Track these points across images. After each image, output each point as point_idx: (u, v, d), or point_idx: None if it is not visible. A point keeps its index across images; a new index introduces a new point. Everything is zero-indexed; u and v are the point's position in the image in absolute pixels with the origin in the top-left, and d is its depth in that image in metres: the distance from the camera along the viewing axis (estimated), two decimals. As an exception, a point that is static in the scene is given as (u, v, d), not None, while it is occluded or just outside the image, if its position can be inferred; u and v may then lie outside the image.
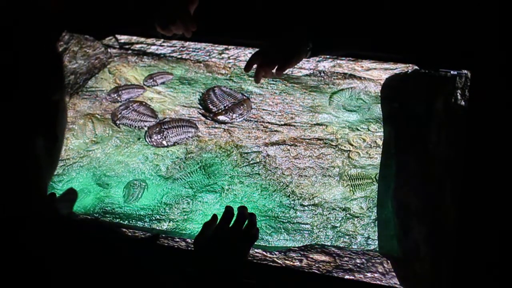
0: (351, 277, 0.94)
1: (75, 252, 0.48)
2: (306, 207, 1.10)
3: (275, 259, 0.97)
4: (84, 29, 1.49)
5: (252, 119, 1.30)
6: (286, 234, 1.05)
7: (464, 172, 1.02)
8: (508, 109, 1.08)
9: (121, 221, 1.09)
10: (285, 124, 1.28)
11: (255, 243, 0.89)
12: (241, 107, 1.32)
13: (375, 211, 1.08)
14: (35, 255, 0.46)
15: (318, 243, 1.02)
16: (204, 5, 1.20)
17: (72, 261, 0.47)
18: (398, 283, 0.93)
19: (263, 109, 1.32)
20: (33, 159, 0.52)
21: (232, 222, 0.88)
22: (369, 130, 1.24)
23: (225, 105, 1.32)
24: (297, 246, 1.02)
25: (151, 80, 1.41)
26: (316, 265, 0.96)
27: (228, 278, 0.78)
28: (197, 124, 1.29)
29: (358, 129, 1.24)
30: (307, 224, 1.07)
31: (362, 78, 1.36)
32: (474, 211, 0.96)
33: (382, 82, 1.34)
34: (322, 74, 1.39)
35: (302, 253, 0.98)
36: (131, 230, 1.04)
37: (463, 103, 1.17)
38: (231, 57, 1.45)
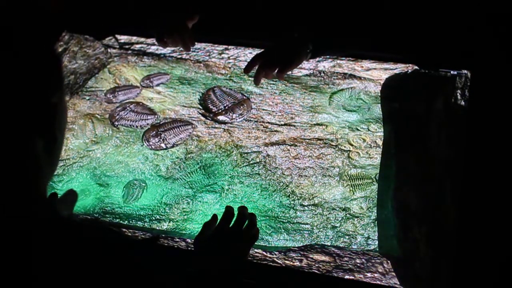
0: (351, 277, 0.94)
1: (75, 253, 0.48)
2: (306, 207, 1.10)
3: (275, 259, 0.97)
4: (84, 29, 1.49)
5: (252, 119, 1.30)
6: (286, 234, 1.05)
7: (464, 172, 1.02)
8: (508, 109, 1.08)
9: (121, 221, 1.09)
10: (285, 124, 1.28)
11: (255, 243, 0.89)
12: (241, 107, 1.32)
13: (375, 211, 1.08)
14: (35, 256, 0.46)
15: (318, 243, 1.02)
16: (204, 5, 1.20)
17: (72, 261, 0.47)
18: (398, 283, 0.93)
19: (263, 109, 1.32)
20: (33, 160, 0.52)
21: (232, 222, 0.88)
22: (369, 130, 1.24)
23: (225, 105, 1.32)
24: (297, 246, 1.02)
25: (148, 81, 1.41)
26: (316, 265, 0.96)
27: (228, 278, 0.78)
28: (197, 123, 1.29)
29: (358, 129, 1.24)
30: (307, 224, 1.07)
31: (362, 78, 1.36)
32: (474, 211, 0.96)
33: (382, 82, 1.34)
34: (322, 74, 1.39)
35: (302, 253, 0.98)
36: (131, 230, 1.04)
37: (463, 103, 1.17)
38: (231, 57, 1.45)
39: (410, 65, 1.30)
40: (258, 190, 1.13)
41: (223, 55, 1.46)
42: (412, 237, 1.00)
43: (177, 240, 1.01)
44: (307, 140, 1.23)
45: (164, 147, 1.23)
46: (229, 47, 1.45)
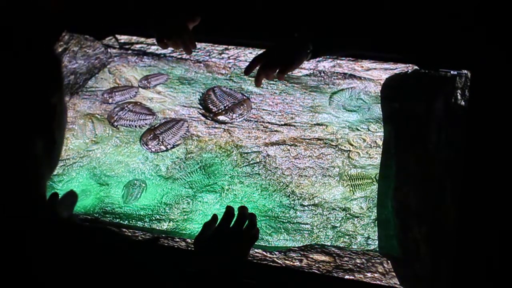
0: (351, 277, 0.94)
1: (75, 254, 0.48)
2: (306, 207, 1.10)
3: (275, 259, 0.97)
4: (84, 29, 1.49)
5: (252, 119, 1.30)
6: (286, 234, 1.05)
7: (464, 172, 1.02)
8: (508, 109, 1.08)
9: (121, 221, 1.09)
10: (285, 124, 1.28)
11: (255, 243, 0.89)
12: (241, 107, 1.32)
13: (375, 211, 1.08)
14: (34, 257, 0.46)
15: (318, 243, 1.02)
16: (204, 6, 1.20)
17: (72, 262, 0.47)
18: (398, 283, 0.93)
19: (263, 109, 1.32)
20: (32, 160, 0.52)
21: (232, 223, 0.88)
22: (369, 130, 1.24)
23: (225, 105, 1.32)
24: (297, 246, 1.02)
25: (145, 82, 1.41)
26: (316, 265, 0.96)
27: (228, 278, 0.78)
28: (197, 123, 1.29)
29: (358, 129, 1.24)
30: (307, 224, 1.07)
31: (362, 78, 1.36)
32: (474, 211, 0.96)
33: (382, 82, 1.34)
34: (322, 74, 1.39)
35: (302, 253, 0.98)
36: (131, 230, 1.04)
37: (463, 103, 1.17)
38: (231, 57, 1.45)
39: (410, 65, 1.30)
40: (258, 190, 1.13)
41: (223, 55, 1.46)
42: (412, 237, 1.00)
43: (177, 240, 1.01)
44: (307, 140, 1.23)
45: (165, 148, 1.23)
46: (229, 47, 1.45)
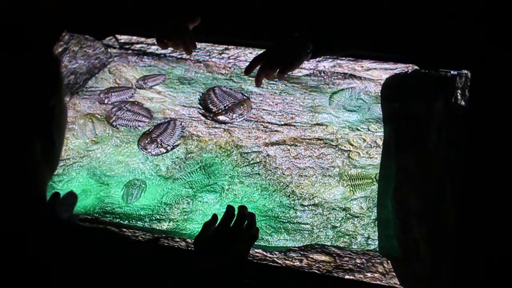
0: (351, 277, 0.94)
1: (75, 254, 0.48)
2: (306, 207, 1.10)
3: (275, 259, 0.97)
4: (84, 29, 1.49)
5: (252, 119, 1.30)
6: (286, 234, 1.05)
7: (464, 172, 1.02)
8: (508, 109, 1.08)
9: (121, 221, 1.09)
10: (285, 124, 1.28)
11: (255, 243, 0.89)
12: (241, 107, 1.32)
13: (375, 211, 1.08)
14: (35, 258, 0.46)
15: (318, 243, 1.02)
16: (204, 6, 1.20)
17: (72, 263, 0.47)
18: (398, 283, 0.94)
19: (263, 109, 1.32)
20: (31, 162, 0.52)
21: (232, 223, 0.88)
22: (369, 130, 1.24)
23: (225, 105, 1.32)
24: (297, 246, 1.02)
25: (142, 82, 1.41)
26: (316, 265, 0.96)
27: (228, 278, 0.78)
28: (197, 123, 1.29)
29: (358, 129, 1.24)
30: (307, 224, 1.07)
31: (362, 78, 1.36)
32: (474, 211, 0.96)
33: (382, 82, 1.34)
34: (322, 74, 1.39)
35: (302, 253, 0.98)
36: (131, 230, 1.04)
37: (463, 103, 1.17)
38: (231, 57, 1.45)
39: (410, 65, 1.30)
40: (258, 190, 1.13)
41: (223, 55, 1.46)
42: (412, 237, 1.00)
43: (177, 240, 1.01)
44: (307, 140, 1.23)
45: (165, 150, 1.22)
46: (229, 47, 1.45)
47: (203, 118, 1.31)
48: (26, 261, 0.46)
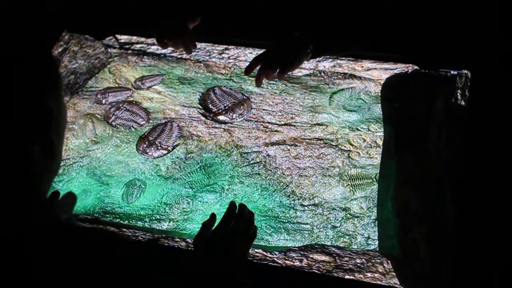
0: (351, 277, 0.94)
1: (74, 255, 0.48)
2: (306, 207, 1.10)
3: (275, 259, 0.97)
4: (84, 29, 1.49)
5: (252, 119, 1.30)
6: (286, 234, 1.05)
7: (464, 172, 1.02)
8: (508, 109, 1.08)
9: (121, 221, 1.09)
10: (285, 124, 1.28)
11: (255, 242, 0.89)
12: (241, 107, 1.32)
13: (375, 211, 1.08)
14: (34, 258, 0.46)
15: (318, 243, 1.02)
16: (204, 6, 1.20)
17: (71, 263, 0.47)
18: (398, 283, 0.94)
19: (263, 109, 1.32)
20: (31, 163, 0.52)
21: (232, 222, 0.88)
22: (369, 130, 1.24)
23: (225, 105, 1.32)
24: (297, 246, 1.02)
25: (139, 83, 1.41)
26: (316, 265, 0.96)
27: (228, 278, 0.78)
28: (197, 123, 1.29)
29: (358, 129, 1.24)
30: (307, 224, 1.07)
31: (362, 78, 1.36)
32: (474, 211, 0.96)
33: (382, 82, 1.34)
34: (322, 74, 1.39)
35: (302, 253, 0.98)
36: (131, 230, 1.04)
37: (463, 103, 1.17)
38: (231, 57, 1.45)
39: (410, 65, 1.30)
40: (258, 190, 1.13)
41: (223, 55, 1.46)
42: (412, 237, 1.00)
43: (177, 240, 1.01)
44: (307, 140, 1.23)
45: (166, 151, 1.22)
46: (229, 47, 1.45)
47: (203, 118, 1.31)
48: (25, 261, 0.46)
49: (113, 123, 1.30)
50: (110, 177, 1.18)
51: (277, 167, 1.18)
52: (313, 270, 0.95)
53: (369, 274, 0.95)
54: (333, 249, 0.99)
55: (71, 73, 1.43)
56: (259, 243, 1.03)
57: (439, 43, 1.24)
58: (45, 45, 0.55)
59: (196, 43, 1.16)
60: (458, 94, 1.18)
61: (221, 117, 1.30)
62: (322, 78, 1.39)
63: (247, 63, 1.07)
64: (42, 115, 0.52)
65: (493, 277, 0.90)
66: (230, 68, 1.44)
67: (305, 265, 0.96)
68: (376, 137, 1.22)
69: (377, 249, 1.01)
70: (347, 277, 0.94)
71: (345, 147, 1.21)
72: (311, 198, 1.11)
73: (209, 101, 1.34)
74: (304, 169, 1.17)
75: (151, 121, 1.31)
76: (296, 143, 1.23)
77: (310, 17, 1.18)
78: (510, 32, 1.16)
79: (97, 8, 1.46)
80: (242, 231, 0.86)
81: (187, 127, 1.29)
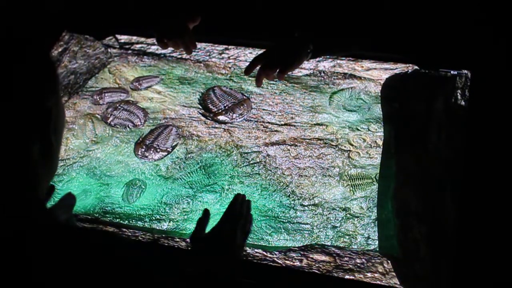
0: (351, 277, 0.94)
1: (73, 255, 0.48)
2: (306, 207, 1.10)
3: (275, 259, 0.97)
4: (84, 29, 1.49)
5: (252, 119, 1.30)
6: (286, 234, 1.05)
7: (464, 172, 1.02)
8: (508, 109, 1.08)
9: (121, 221, 1.09)
10: (285, 124, 1.28)
11: (255, 242, 0.89)
12: (241, 107, 1.32)
13: (375, 211, 1.08)
14: (33, 259, 0.46)
15: (318, 243, 1.02)
16: (204, 5, 1.20)
17: (71, 264, 0.47)
18: (398, 283, 0.93)
19: (263, 109, 1.32)
20: (29, 164, 0.52)
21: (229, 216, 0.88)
22: (369, 130, 1.24)
23: (225, 105, 1.32)
24: (297, 246, 1.02)
25: (137, 83, 1.41)
26: (316, 265, 0.96)
27: (228, 278, 0.78)
28: (197, 123, 1.29)
29: (358, 129, 1.24)
30: (307, 224, 1.07)
31: (362, 78, 1.36)
32: (474, 211, 0.96)
33: (382, 82, 1.34)
34: (322, 74, 1.39)
35: (302, 253, 0.98)
36: (131, 230, 1.04)
37: (463, 103, 1.17)
38: (231, 57, 1.45)
39: (410, 65, 1.30)
40: (258, 190, 1.13)
41: (223, 55, 1.46)
42: (412, 237, 1.00)
43: (177, 240, 1.01)
44: (307, 140, 1.23)
45: (167, 153, 1.22)
46: (229, 47, 1.45)
47: (203, 118, 1.31)
48: (26, 261, 0.46)
49: (112, 123, 1.30)
50: (110, 177, 1.18)
51: (277, 167, 1.18)
52: (313, 270, 0.95)
53: (369, 274, 0.95)
54: (333, 249, 0.99)
55: (71, 73, 1.43)
56: (259, 243, 1.04)
57: (439, 43, 1.24)
58: (45, 45, 0.55)
59: (196, 43, 1.16)
60: (458, 94, 1.18)
61: (221, 117, 1.30)
62: (322, 78, 1.39)
63: (247, 63, 1.06)
64: (42, 115, 0.52)
65: (493, 277, 0.90)
66: (230, 68, 1.44)
67: (305, 265, 0.96)
68: (376, 137, 1.22)
69: (377, 249, 1.01)
70: (347, 277, 0.94)
71: (345, 147, 1.21)
72: (311, 198, 1.11)
73: (209, 101, 1.34)
74: (304, 169, 1.17)
75: (151, 121, 1.31)
76: (296, 143, 1.23)
77: (310, 17, 1.18)
78: (509, 32, 1.16)
79: (97, 8, 1.46)
80: (241, 229, 0.86)
81: (187, 127, 1.29)
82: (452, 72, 1.23)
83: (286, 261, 0.97)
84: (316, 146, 1.21)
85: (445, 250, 0.95)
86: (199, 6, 1.21)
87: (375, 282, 0.94)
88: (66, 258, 0.47)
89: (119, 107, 1.33)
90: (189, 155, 1.22)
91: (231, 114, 1.30)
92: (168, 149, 1.22)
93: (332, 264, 0.97)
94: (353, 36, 1.15)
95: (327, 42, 1.10)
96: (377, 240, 1.03)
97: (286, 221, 1.07)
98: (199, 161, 1.20)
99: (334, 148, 1.21)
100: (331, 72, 1.39)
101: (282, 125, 1.28)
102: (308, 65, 1.39)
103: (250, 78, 1.39)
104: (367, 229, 1.05)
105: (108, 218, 1.09)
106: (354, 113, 1.29)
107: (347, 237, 1.04)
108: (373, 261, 0.97)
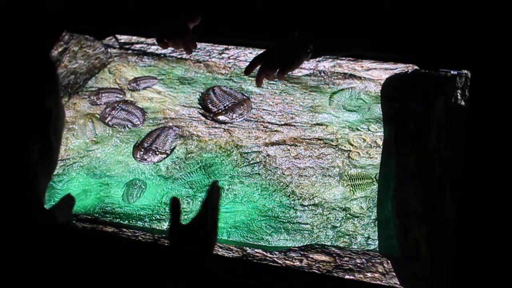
0: (351, 277, 0.94)
1: (73, 255, 0.48)
2: (306, 207, 1.10)
3: (275, 259, 0.97)
4: (84, 29, 1.49)
5: (252, 119, 1.30)
6: (286, 234, 1.05)
7: (464, 172, 1.02)
8: (508, 109, 1.08)
9: (121, 221, 1.09)
10: (285, 124, 1.28)
11: (255, 242, 0.88)
12: (241, 107, 1.32)
13: (375, 211, 1.08)
14: (32, 259, 0.46)
15: (318, 243, 1.02)
16: (204, 5, 1.20)
17: (70, 264, 0.47)
18: (398, 283, 0.93)
19: (263, 109, 1.32)
20: (29, 164, 0.52)
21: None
22: (369, 130, 1.24)
23: (225, 105, 1.32)
24: (297, 246, 1.02)
25: (134, 84, 1.40)
26: (316, 265, 0.96)
27: (199, 266, 0.73)
28: (197, 123, 1.29)
29: (358, 129, 1.24)
30: (307, 224, 1.07)
31: (362, 78, 1.36)
32: (474, 211, 0.96)
33: (382, 82, 1.34)
34: (322, 74, 1.39)
35: (302, 253, 0.98)
36: (131, 230, 1.04)
37: (463, 103, 1.17)
38: (231, 57, 1.45)
39: (410, 65, 1.30)
40: (258, 190, 1.13)
41: (223, 55, 1.46)
42: (412, 237, 1.00)
43: (177, 240, 1.01)
44: (307, 140, 1.23)
45: (166, 155, 1.22)
46: (229, 47, 1.45)
47: (203, 118, 1.31)
48: (26, 261, 0.46)
49: (110, 123, 1.30)
50: (110, 177, 1.18)
51: (277, 167, 1.18)
52: (313, 270, 0.95)
53: (369, 274, 0.95)
54: (333, 249, 0.99)
55: (71, 73, 1.43)
56: (259, 243, 1.04)
57: (439, 43, 1.24)
58: (45, 45, 0.55)
59: (197, 43, 1.16)
60: (458, 94, 1.18)
61: (221, 117, 1.30)
62: (322, 78, 1.39)
63: (247, 63, 1.07)
64: (42, 115, 0.52)
65: (493, 277, 0.90)
66: (230, 68, 1.44)
67: (305, 265, 0.96)
68: (376, 137, 1.22)
69: (377, 249, 1.01)
70: (347, 277, 0.94)
71: (345, 147, 1.21)
72: (311, 198, 1.11)
73: (209, 101, 1.34)
74: (304, 169, 1.17)
75: (151, 121, 1.31)
76: (296, 143, 1.23)
77: (310, 17, 1.18)
78: (510, 32, 1.16)
79: (97, 8, 1.46)
80: (209, 218, 0.79)
81: (187, 127, 1.29)
82: (452, 72, 1.23)
83: (286, 261, 0.97)
84: (316, 146, 1.21)
85: (445, 250, 0.95)
86: (199, 6, 1.21)
87: (375, 282, 0.94)
88: (66, 258, 0.47)
89: (117, 107, 1.33)
90: (189, 155, 1.22)
91: (231, 114, 1.30)
92: (167, 151, 1.22)
93: (332, 264, 0.97)
94: (353, 36, 1.15)
95: (327, 42, 1.10)
96: (377, 240, 1.03)
97: (286, 221, 1.07)
98: (199, 161, 1.20)
99: (334, 148, 1.21)
100: (331, 72, 1.39)
101: (282, 125, 1.28)
102: (308, 65, 1.39)
103: (250, 78, 1.39)
104: (367, 229, 1.05)
105: (108, 218, 1.09)
106: (354, 113, 1.29)
107: (347, 237, 1.04)
108: (373, 261, 0.97)
